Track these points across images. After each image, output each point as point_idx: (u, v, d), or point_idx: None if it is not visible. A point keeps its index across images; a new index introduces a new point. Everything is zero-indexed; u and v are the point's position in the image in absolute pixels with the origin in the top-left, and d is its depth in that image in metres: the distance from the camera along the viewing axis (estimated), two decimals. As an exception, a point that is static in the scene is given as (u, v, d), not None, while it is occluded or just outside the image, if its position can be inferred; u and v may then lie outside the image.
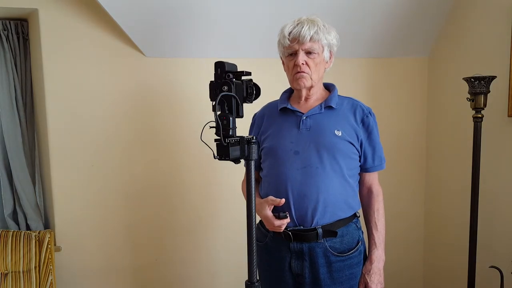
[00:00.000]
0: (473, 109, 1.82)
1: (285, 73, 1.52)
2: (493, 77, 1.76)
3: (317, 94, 1.50)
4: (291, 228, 1.41)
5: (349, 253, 1.43)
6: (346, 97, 1.52)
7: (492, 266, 1.81)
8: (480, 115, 1.81)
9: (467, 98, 1.84)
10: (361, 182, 1.53)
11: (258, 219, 1.57)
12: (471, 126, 1.85)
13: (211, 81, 1.39)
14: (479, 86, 1.76)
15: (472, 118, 1.83)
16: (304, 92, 1.47)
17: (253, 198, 1.45)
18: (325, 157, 1.40)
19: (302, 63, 1.39)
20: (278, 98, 1.64)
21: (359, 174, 1.51)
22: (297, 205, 1.40)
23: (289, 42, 1.40)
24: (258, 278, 1.56)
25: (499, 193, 1.94)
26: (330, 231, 1.40)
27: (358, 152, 1.46)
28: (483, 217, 1.92)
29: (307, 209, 1.39)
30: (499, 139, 1.92)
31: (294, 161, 1.41)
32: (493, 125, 1.92)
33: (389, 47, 2.29)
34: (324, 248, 1.40)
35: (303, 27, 1.37)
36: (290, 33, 1.39)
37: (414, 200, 2.48)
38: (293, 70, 1.42)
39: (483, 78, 1.74)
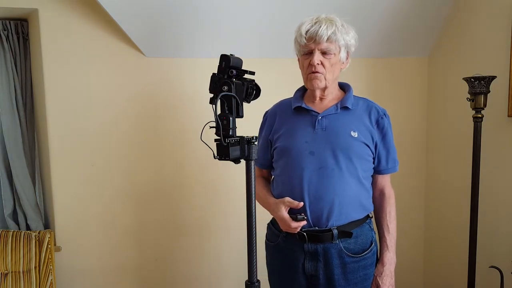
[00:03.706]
0: (473, 109, 1.82)
1: (300, 71, 1.49)
2: (493, 77, 1.76)
3: (333, 94, 1.47)
4: (305, 229, 1.39)
5: (363, 254, 1.42)
6: (360, 97, 1.50)
7: (492, 266, 1.81)
8: (480, 115, 1.81)
9: (467, 98, 1.84)
10: (373, 184, 1.50)
11: (268, 218, 1.57)
12: (471, 126, 1.85)
13: (213, 73, 1.39)
14: (479, 86, 1.76)
15: (472, 118, 1.83)
16: (318, 93, 1.45)
17: (253, 198, 1.45)
18: (341, 158, 1.37)
19: (317, 63, 1.36)
20: (278, 98, 1.64)
21: (372, 176, 1.49)
22: (313, 206, 1.38)
23: (305, 41, 1.37)
24: (268, 278, 1.56)
25: (499, 193, 1.94)
26: (345, 232, 1.39)
27: (373, 154, 1.44)
28: (483, 217, 1.92)
29: (323, 210, 1.37)
30: (499, 139, 1.92)
31: (309, 162, 1.39)
32: (493, 125, 1.92)
33: (389, 47, 2.29)
34: (338, 249, 1.39)
35: (320, 26, 1.34)
36: (307, 31, 1.36)
37: (414, 200, 2.48)
38: (308, 70, 1.40)
39: (483, 78, 1.74)
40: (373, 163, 1.46)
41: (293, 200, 1.38)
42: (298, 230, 1.38)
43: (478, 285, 1.92)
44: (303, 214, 1.37)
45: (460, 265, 2.15)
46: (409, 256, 2.52)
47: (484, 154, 1.88)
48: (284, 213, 1.39)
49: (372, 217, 1.51)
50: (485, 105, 1.79)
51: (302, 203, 1.37)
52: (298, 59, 1.49)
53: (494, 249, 1.97)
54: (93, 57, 2.01)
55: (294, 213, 1.38)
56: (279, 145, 1.47)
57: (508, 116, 1.83)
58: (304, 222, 1.37)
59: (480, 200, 1.86)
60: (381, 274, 1.45)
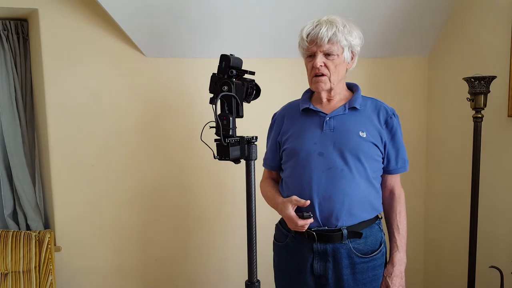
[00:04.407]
0: (473, 109, 1.82)
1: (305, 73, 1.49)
2: (493, 77, 1.75)
3: (340, 95, 1.47)
4: (315, 229, 1.39)
5: (372, 254, 1.41)
6: (369, 97, 1.49)
7: (492, 266, 1.81)
8: (480, 115, 1.81)
9: (467, 98, 1.84)
10: (383, 184, 1.49)
11: (272, 219, 1.57)
12: (471, 126, 1.85)
13: (213, 73, 1.39)
14: (479, 86, 1.76)
15: (472, 118, 1.83)
16: (324, 94, 1.44)
17: (253, 198, 1.45)
18: (350, 159, 1.37)
19: (320, 65, 1.36)
20: (279, 98, 1.64)
21: (381, 176, 1.48)
22: (322, 207, 1.37)
23: (307, 44, 1.37)
24: (274, 280, 1.55)
25: (499, 193, 1.94)
26: (355, 232, 1.38)
27: (382, 154, 1.44)
28: (483, 217, 1.92)
29: (332, 211, 1.37)
30: (499, 139, 1.92)
31: (318, 163, 1.38)
32: (493, 125, 1.92)
33: (389, 47, 2.29)
34: (348, 249, 1.38)
35: (321, 28, 1.35)
36: (308, 35, 1.37)
37: (414, 200, 2.48)
38: (312, 72, 1.40)
39: (483, 78, 1.74)
40: (383, 163, 1.46)
41: (299, 199, 1.37)
42: (306, 228, 1.38)
43: (478, 285, 1.92)
44: (310, 212, 1.36)
45: (460, 265, 2.15)
46: (409, 256, 2.49)
47: (484, 154, 1.88)
48: (291, 211, 1.38)
49: (381, 217, 1.50)
50: (485, 105, 1.79)
51: (308, 201, 1.36)
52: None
53: (494, 249, 1.97)
54: (93, 57, 2.01)
55: (301, 211, 1.38)
56: (287, 146, 1.47)
57: (508, 116, 1.83)
58: (311, 220, 1.36)
59: (480, 200, 1.86)
60: (391, 274, 1.44)
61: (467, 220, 1.89)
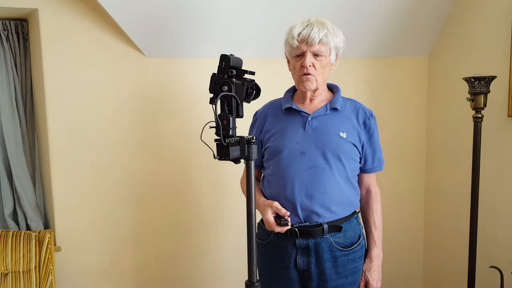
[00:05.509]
0: (473, 109, 1.82)
1: (290, 72, 1.52)
2: (493, 77, 1.75)
3: (322, 96, 1.51)
4: (297, 225, 1.43)
5: (352, 247, 1.46)
6: (348, 98, 1.54)
7: (492, 266, 1.81)
8: (480, 115, 1.81)
9: (467, 98, 1.84)
10: (359, 183, 1.55)
11: (259, 217, 1.58)
12: (471, 126, 1.85)
13: (213, 73, 1.39)
14: (479, 86, 1.76)
15: (472, 118, 1.83)
16: (308, 94, 1.48)
17: (253, 199, 1.45)
18: (331, 158, 1.42)
19: (309, 65, 1.40)
20: (276, 98, 1.64)
21: (358, 175, 1.54)
22: (304, 205, 1.42)
23: (297, 43, 1.40)
24: (258, 277, 1.57)
25: (499, 193, 1.94)
26: (335, 226, 1.44)
27: (360, 154, 1.49)
28: (483, 217, 1.92)
29: (313, 208, 1.42)
30: (499, 139, 1.92)
31: (300, 162, 1.43)
32: (493, 125, 1.92)
33: (389, 47, 2.29)
34: (329, 243, 1.43)
35: (312, 29, 1.38)
36: (299, 34, 1.39)
37: (414, 201, 2.48)
38: (300, 71, 1.43)
39: (483, 78, 1.74)
40: (360, 162, 1.51)
41: (281, 207, 1.41)
42: (284, 231, 1.42)
43: (478, 285, 1.92)
44: (288, 219, 1.40)
45: (460, 265, 2.15)
46: (409, 256, 2.51)
47: (484, 154, 1.88)
48: (270, 216, 1.43)
49: (358, 212, 1.56)
50: (485, 105, 1.79)
51: (288, 213, 1.40)
52: (288, 61, 1.52)
53: (494, 249, 1.97)
54: (93, 57, 2.01)
55: (279, 217, 1.42)
56: (270, 145, 1.50)
57: (508, 116, 1.83)
58: (288, 227, 1.40)
59: (480, 200, 1.86)
60: (370, 269, 1.50)
61: (467, 220, 1.89)
